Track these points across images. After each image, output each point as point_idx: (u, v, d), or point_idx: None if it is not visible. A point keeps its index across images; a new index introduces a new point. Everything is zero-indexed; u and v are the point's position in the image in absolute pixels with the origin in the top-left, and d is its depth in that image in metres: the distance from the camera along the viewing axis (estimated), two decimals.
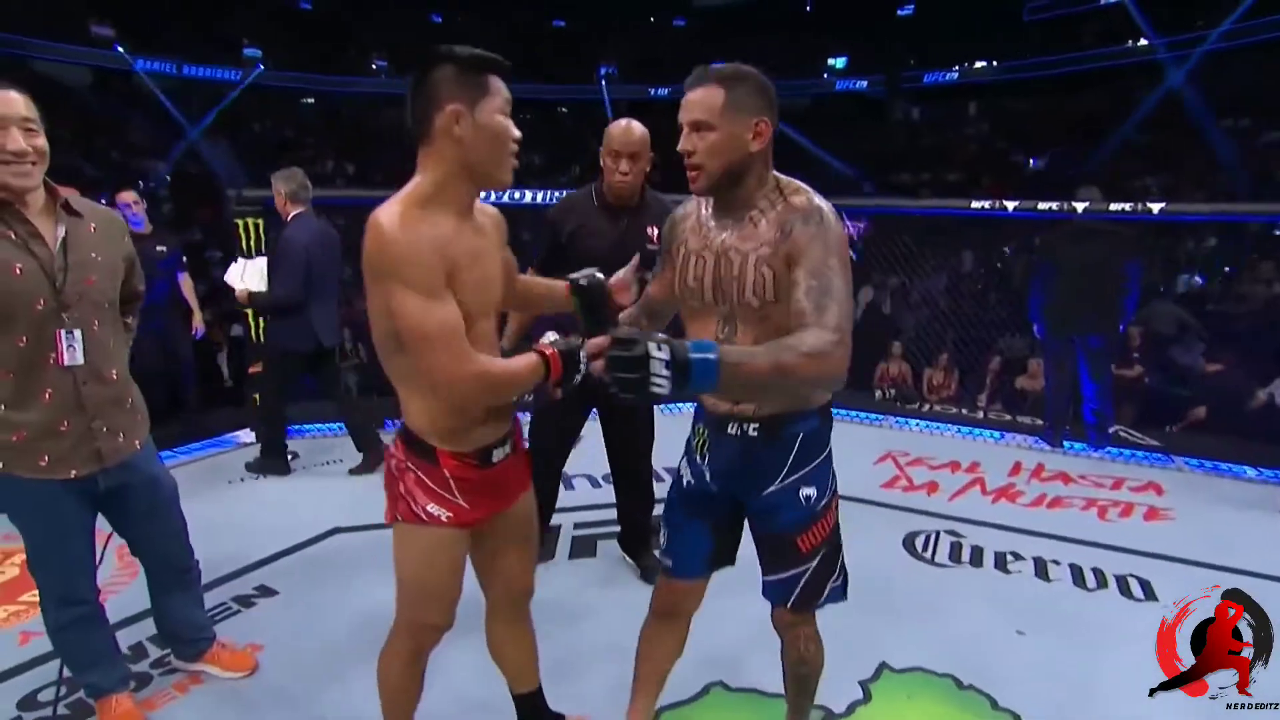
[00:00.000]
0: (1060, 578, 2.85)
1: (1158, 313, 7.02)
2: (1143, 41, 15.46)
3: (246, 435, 4.49)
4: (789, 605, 1.57)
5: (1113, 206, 4.25)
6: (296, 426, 4.65)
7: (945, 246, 7.34)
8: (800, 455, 1.50)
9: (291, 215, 3.68)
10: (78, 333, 1.70)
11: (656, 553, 1.72)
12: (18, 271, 1.62)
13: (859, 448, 4.40)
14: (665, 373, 1.13)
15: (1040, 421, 4.80)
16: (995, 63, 17.88)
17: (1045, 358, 4.78)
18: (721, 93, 1.37)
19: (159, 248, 4.21)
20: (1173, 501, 3.62)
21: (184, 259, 4.28)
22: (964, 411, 5.29)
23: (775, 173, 1.45)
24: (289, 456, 4.01)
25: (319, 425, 4.72)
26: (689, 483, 1.64)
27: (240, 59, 18.62)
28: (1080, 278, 4.18)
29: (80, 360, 1.71)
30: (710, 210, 1.49)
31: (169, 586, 2.10)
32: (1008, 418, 5.22)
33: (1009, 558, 3.00)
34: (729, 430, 1.51)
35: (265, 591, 2.72)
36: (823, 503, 1.54)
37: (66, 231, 1.71)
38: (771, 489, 1.51)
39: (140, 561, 2.06)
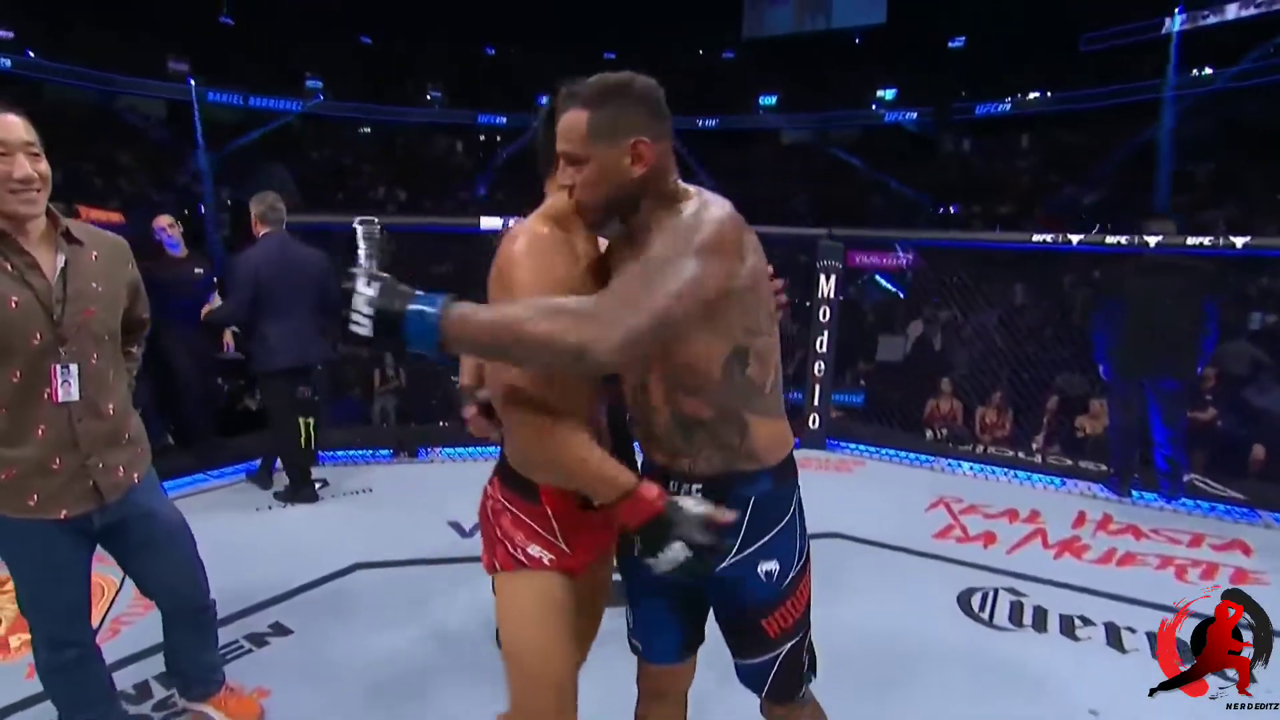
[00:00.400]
0: (1137, 648, 2.57)
1: (1229, 351, 6.60)
2: (1208, 70, 14.93)
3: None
4: (765, 694, 1.38)
5: (1190, 241, 3.95)
6: (328, 453, 4.60)
7: (999, 279, 7.08)
8: (755, 523, 1.29)
9: (260, 235, 3.76)
10: (74, 367, 1.62)
11: (627, 630, 1.50)
12: (13, 305, 1.55)
13: (909, 492, 4.15)
14: (366, 312, 1.02)
15: (1104, 467, 4.48)
16: (1049, 94, 17.48)
17: (1111, 400, 4.47)
18: (584, 116, 1.19)
19: (195, 270, 4.26)
20: (1264, 563, 3.28)
21: (215, 280, 4.36)
22: (1020, 455, 4.99)
23: (682, 185, 1.26)
24: (315, 484, 3.94)
25: (351, 452, 4.67)
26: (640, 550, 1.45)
27: (303, 90, 19.40)
28: (1153, 316, 3.88)
29: (76, 396, 1.63)
30: (629, 235, 1.31)
31: (180, 625, 2.00)
32: (1068, 462, 4.90)
33: (1077, 622, 2.73)
34: (670, 489, 1.31)
35: (279, 630, 2.61)
36: (789, 579, 1.31)
37: (66, 261, 1.64)
38: (726, 563, 1.29)
39: (152, 599, 1.96)
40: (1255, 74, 13.99)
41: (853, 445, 5.07)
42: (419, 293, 1.04)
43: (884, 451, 4.95)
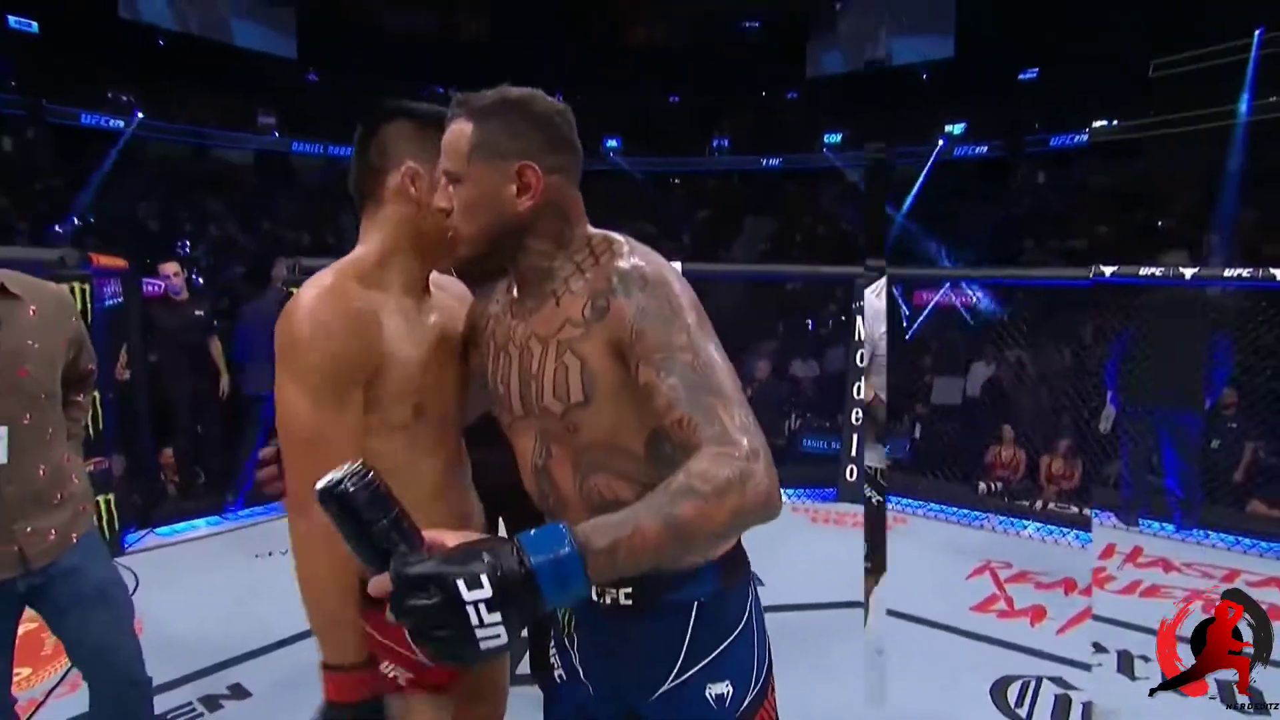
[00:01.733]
0: None
1: None
2: None
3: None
4: None
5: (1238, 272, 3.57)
6: None
7: (1072, 318, 6.59)
8: (700, 635, 1.04)
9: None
10: (3, 430, 1.54)
11: None
12: None
13: (952, 555, 3.76)
14: (494, 619, 0.71)
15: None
16: (1116, 122, 16.70)
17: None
18: (469, 129, 1.01)
19: (196, 312, 4.48)
20: None
21: (215, 323, 4.61)
22: (1085, 512, 4.48)
23: (591, 230, 1.07)
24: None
25: None
26: (561, 678, 1.16)
27: None
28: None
29: (4, 459, 1.55)
30: (516, 289, 1.10)
31: (105, 704, 1.78)
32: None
33: None
34: (594, 597, 1.06)
35: (238, 692, 2.47)
36: (745, 703, 1.05)
37: (0, 318, 1.57)
38: (665, 688, 1.04)
39: (80, 668, 1.79)
40: None
41: (896, 500, 4.66)
42: (525, 536, 0.76)
43: (931, 507, 4.55)
